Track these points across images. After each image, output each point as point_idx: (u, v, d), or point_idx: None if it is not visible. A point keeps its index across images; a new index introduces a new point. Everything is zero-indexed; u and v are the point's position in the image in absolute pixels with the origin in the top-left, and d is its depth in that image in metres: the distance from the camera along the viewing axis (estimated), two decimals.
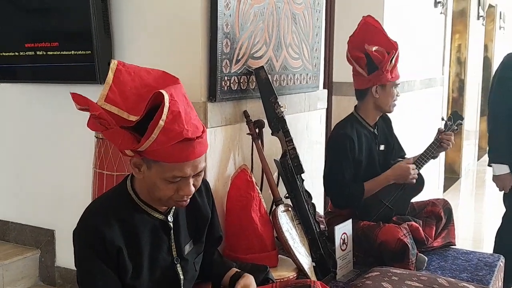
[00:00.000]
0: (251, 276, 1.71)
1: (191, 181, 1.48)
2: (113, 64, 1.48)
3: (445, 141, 2.63)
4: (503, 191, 3.26)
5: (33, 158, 2.81)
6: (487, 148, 3.28)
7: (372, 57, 2.57)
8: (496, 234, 3.39)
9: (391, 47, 2.59)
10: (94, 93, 2.49)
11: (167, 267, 1.59)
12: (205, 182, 1.76)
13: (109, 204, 1.54)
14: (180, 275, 1.62)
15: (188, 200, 1.53)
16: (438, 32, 5.52)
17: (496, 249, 3.26)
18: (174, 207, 1.62)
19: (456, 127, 2.67)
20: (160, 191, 1.47)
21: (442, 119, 2.75)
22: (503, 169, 3.15)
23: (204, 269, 1.76)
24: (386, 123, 2.81)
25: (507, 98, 3.13)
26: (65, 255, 2.74)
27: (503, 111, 3.09)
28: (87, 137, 2.26)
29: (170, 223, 1.60)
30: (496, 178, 3.22)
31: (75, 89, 2.55)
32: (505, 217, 3.34)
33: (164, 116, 1.36)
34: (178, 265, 1.62)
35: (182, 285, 1.63)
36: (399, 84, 2.64)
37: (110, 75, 1.46)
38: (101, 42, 2.37)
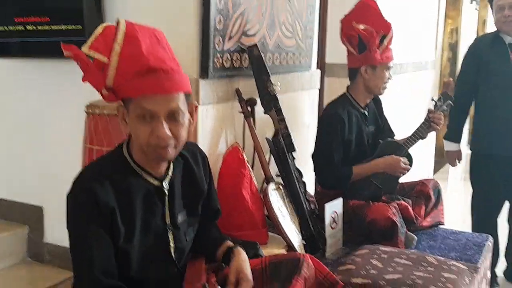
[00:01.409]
0: (242, 252, 1.69)
1: (165, 124, 1.43)
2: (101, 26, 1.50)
3: (435, 120, 2.64)
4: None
5: (22, 134, 2.79)
6: None
7: (360, 35, 2.57)
8: (471, 215, 3.47)
9: (384, 28, 2.59)
10: None
11: (159, 234, 1.58)
12: (202, 154, 1.75)
13: (104, 166, 1.53)
14: (171, 242, 1.61)
15: (171, 152, 1.48)
16: (431, 15, 5.51)
17: (473, 229, 3.33)
18: (170, 173, 1.60)
19: (446, 108, 2.68)
20: (139, 135, 1.45)
21: (432, 99, 2.76)
22: (453, 146, 3.36)
23: (200, 242, 1.75)
24: (376, 104, 2.81)
25: (463, 78, 3.32)
26: (54, 232, 2.74)
27: (461, 91, 3.24)
28: (77, 113, 2.24)
29: (165, 189, 1.58)
30: (446, 153, 3.44)
31: (66, 65, 2.54)
32: (472, 197, 3.43)
33: (118, 40, 1.39)
34: (170, 232, 1.61)
35: (173, 253, 1.62)
36: (391, 67, 2.63)
37: (99, 29, 1.49)
38: (92, 17, 2.33)
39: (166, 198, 1.59)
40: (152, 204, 1.56)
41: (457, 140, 3.35)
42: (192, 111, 1.56)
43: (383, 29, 2.59)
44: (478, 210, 3.35)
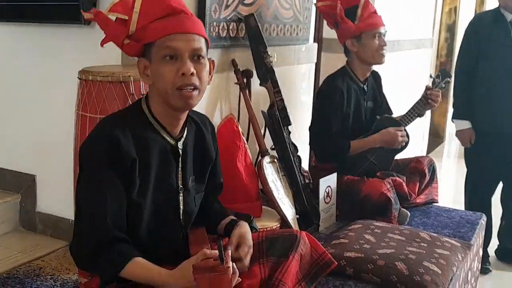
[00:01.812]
0: (246, 224, 1.70)
1: (190, 63, 1.45)
2: None
3: (433, 97, 2.61)
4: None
5: (15, 101, 2.74)
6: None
7: (321, 11, 2.61)
8: (464, 194, 3.46)
9: None
10: (78, 35, 2.45)
11: (171, 193, 1.58)
12: (212, 125, 1.76)
13: (124, 118, 1.52)
14: (181, 204, 1.62)
15: (195, 97, 1.48)
16: None
17: (467, 208, 3.31)
18: (184, 135, 1.60)
19: (444, 85, 2.65)
20: (163, 77, 1.45)
21: (430, 76, 2.73)
22: (464, 124, 3.24)
23: (202, 214, 1.75)
24: (376, 81, 2.78)
25: (464, 56, 3.26)
26: (46, 201, 2.71)
27: (462, 68, 3.20)
28: (71, 80, 2.20)
29: (179, 150, 1.58)
30: (458, 133, 3.32)
31: (59, 30, 2.50)
32: (466, 176, 3.42)
33: None
34: (181, 194, 1.61)
35: (181, 215, 1.62)
36: (381, 32, 2.57)
37: None
38: None
39: (180, 158, 1.59)
40: (167, 162, 1.56)
41: (467, 117, 3.22)
42: (210, 65, 1.56)
43: (349, 0, 2.56)
44: (472, 189, 3.35)
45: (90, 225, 1.43)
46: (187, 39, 1.46)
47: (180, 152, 1.59)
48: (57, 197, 2.62)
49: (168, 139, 1.56)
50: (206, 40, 1.52)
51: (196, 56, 1.47)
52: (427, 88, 2.65)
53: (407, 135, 2.65)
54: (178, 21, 1.47)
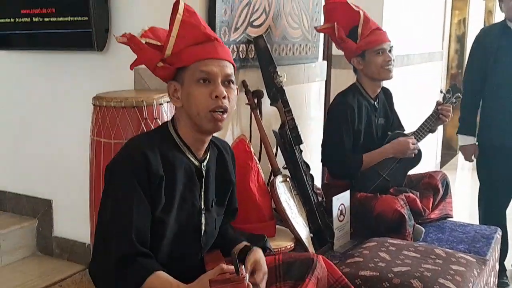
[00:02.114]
0: (260, 250, 1.71)
1: (222, 87, 1.52)
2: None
3: (444, 112, 2.61)
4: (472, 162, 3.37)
5: (30, 127, 2.79)
6: None
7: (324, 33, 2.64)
8: (478, 209, 3.44)
9: (353, 19, 2.59)
10: (91, 61, 2.49)
11: (194, 213, 1.62)
12: (232, 150, 1.81)
13: (152, 138, 1.58)
14: (203, 225, 1.64)
15: (224, 120, 1.54)
16: (438, 7, 5.47)
17: (481, 222, 3.30)
18: (208, 158, 1.64)
19: (455, 100, 2.65)
20: (196, 99, 1.52)
21: (441, 91, 2.73)
22: (468, 140, 3.25)
23: (216, 238, 1.77)
24: (387, 98, 2.79)
25: (471, 70, 3.25)
26: (63, 225, 2.74)
27: (469, 83, 3.18)
28: (85, 105, 2.24)
29: (203, 171, 1.63)
30: (461, 148, 3.32)
31: (72, 57, 2.55)
32: (479, 190, 3.40)
33: (181, 10, 1.55)
34: (203, 215, 1.64)
35: (202, 236, 1.65)
36: (382, 49, 2.56)
37: (145, 27, 1.67)
38: (98, 8, 2.33)
39: (203, 180, 1.63)
40: (192, 182, 1.60)
41: (471, 133, 3.24)
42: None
43: (354, 19, 2.59)
44: (485, 203, 3.32)
45: (116, 239, 1.45)
46: (220, 65, 1.54)
47: (204, 174, 1.63)
48: (73, 222, 2.65)
49: (193, 160, 1.60)
50: (234, 66, 1.60)
51: (227, 81, 1.55)
52: (438, 104, 2.65)
53: (420, 151, 2.65)
54: (212, 48, 1.55)
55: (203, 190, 1.64)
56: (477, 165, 3.35)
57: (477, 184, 3.42)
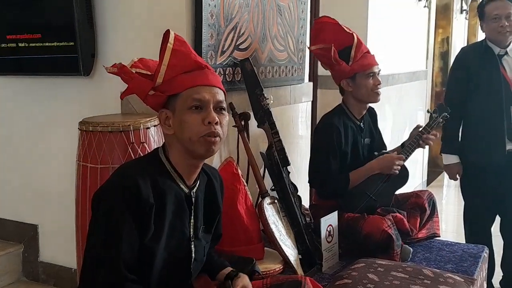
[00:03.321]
0: (246, 276, 1.73)
1: (214, 113, 1.53)
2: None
3: (425, 141, 2.65)
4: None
5: (16, 151, 2.77)
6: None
7: (316, 55, 2.65)
8: (464, 227, 3.45)
9: (346, 40, 2.61)
10: (77, 86, 2.49)
11: (183, 241, 1.61)
12: (221, 177, 1.82)
13: (142, 165, 1.58)
14: (193, 253, 1.64)
15: (217, 145, 1.55)
16: (421, 26, 5.54)
17: (467, 241, 3.31)
18: (197, 185, 1.64)
19: (441, 120, 2.68)
20: (188, 126, 1.52)
21: (428, 111, 2.76)
22: (452, 159, 3.25)
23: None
24: (372, 117, 2.81)
25: (452, 90, 3.26)
26: (49, 250, 2.72)
27: (451, 103, 3.09)
28: (71, 130, 2.23)
29: (193, 198, 1.62)
30: (445, 167, 3.32)
31: (58, 82, 2.55)
32: (464, 209, 3.42)
33: (171, 40, 1.57)
34: (193, 243, 1.64)
35: (191, 264, 1.64)
36: (373, 72, 2.59)
37: (134, 59, 1.70)
38: (84, 33, 2.34)
39: (193, 207, 1.63)
40: (181, 210, 1.60)
41: (455, 151, 3.24)
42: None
43: (345, 41, 2.61)
44: (470, 221, 3.34)
45: (104, 268, 1.44)
46: (212, 92, 1.56)
47: (193, 201, 1.63)
48: (60, 247, 2.63)
49: (183, 187, 1.60)
50: (224, 93, 1.62)
51: (219, 108, 1.56)
52: (422, 132, 2.67)
53: (406, 171, 2.67)
54: (203, 75, 1.58)
55: (192, 217, 1.63)
56: (461, 184, 3.37)
57: (463, 201, 3.44)
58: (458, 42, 7.44)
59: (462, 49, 3.46)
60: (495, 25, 3.05)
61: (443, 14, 6.90)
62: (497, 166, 3.10)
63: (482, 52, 3.13)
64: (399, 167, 2.62)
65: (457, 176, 3.28)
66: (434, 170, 6.75)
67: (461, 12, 7.47)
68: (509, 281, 3.37)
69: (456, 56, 3.37)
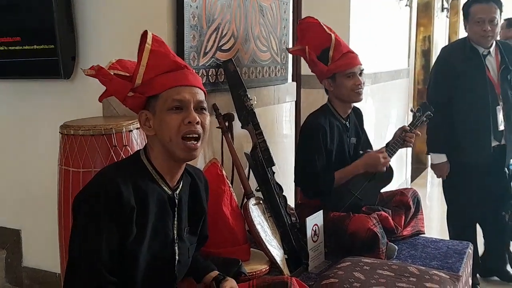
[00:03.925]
0: (234, 280, 1.74)
1: (194, 113, 1.52)
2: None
3: (408, 139, 2.65)
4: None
5: None
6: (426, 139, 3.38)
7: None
8: (448, 225, 3.50)
9: (324, 41, 2.62)
10: (58, 89, 2.46)
11: (166, 244, 1.60)
12: (205, 178, 1.81)
13: (124, 168, 1.57)
14: (176, 255, 1.63)
15: (198, 147, 1.53)
16: (403, 24, 5.58)
17: (451, 237, 3.36)
18: (181, 186, 1.63)
19: (425, 119, 2.69)
20: (169, 126, 1.51)
21: (411, 110, 2.77)
22: (440, 158, 3.27)
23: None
24: (357, 117, 2.82)
25: (437, 90, 3.27)
26: (32, 255, 2.68)
27: (436, 102, 3.11)
28: (52, 134, 2.21)
29: (176, 200, 1.61)
30: (434, 167, 3.34)
31: (39, 85, 2.51)
32: (448, 212, 3.47)
33: (149, 40, 1.56)
34: (176, 244, 1.63)
35: (176, 266, 1.63)
36: (352, 72, 2.58)
37: (112, 60, 1.67)
38: (64, 36, 2.32)
39: (176, 209, 1.62)
40: (164, 211, 1.58)
41: (443, 150, 3.26)
42: None
43: (323, 42, 2.62)
44: (455, 219, 3.37)
45: (85, 272, 1.43)
46: (192, 92, 1.54)
47: (176, 203, 1.62)
48: (43, 252, 2.60)
49: (166, 189, 1.59)
50: (205, 93, 1.60)
51: (199, 108, 1.55)
52: (404, 130, 2.67)
53: (391, 169, 2.68)
54: (183, 75, 1.56)
55: (175, 219, 1.62)
56: (444, 185, 3.39)
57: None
58: (440, 40, 7.50)
59: (445, 48, 3.48)
60: (478, 28, 3.08)
61: (424, 13, 6.95)
62: (483, 164, 3.14)
63: (467, 51, 3.16)
64: (386, 164, 2.62)
65: (445, 175, 3.29)
66: (417, 167, 6.81)
67: (442, 10, 7.54)
68: (486, 270, 3.43)
69: (440, 55, 3.39)
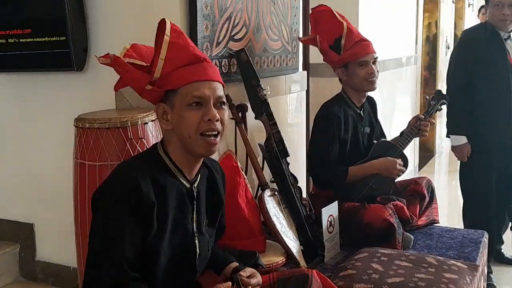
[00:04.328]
0: (253, 270, 1.72)
1: (214, 109, 1.49)
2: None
3: (423, 128, 2.64)
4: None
5: (10, 149, 2.72)
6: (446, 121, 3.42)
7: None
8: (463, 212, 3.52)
9: (336, 30, 2.60)
10: (70, 81, 2.44)
11: (187, 237, 1.58)
12: (222, 170, 1.78)
13: (142, 162, 1.54)
14: (197, 248, 1.61)
15: (218, 142, 1.51)
16: (410, 11, 5.53)
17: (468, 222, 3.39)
18: (199, 179, 1.61)
19: (440, 107, 2.67)
20: (188, 123, 1.48)
21: (426, 98, 2.75)
22: (461, 139, 3.28)
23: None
24: (371, 106, 2.80)
25: (458, 73, 3.28)
26: (46, 249, 2.68)
27: (457, 85, 3.22)
28: (65, 127, 2.19)
29: (194, 193, 1.59)
30: (454, 149, 3.35)
31: (51, 77, 2.49)
32: (463, 194, 3.48)
33: (168, 31, 1.50)
34: (197, 238, 1.61)
35: (196, 260, 1.62)
36: (365, 61, 2.56)
37: (126, 45, 1.62)
38: (75, 27, 2.29)
39: (195, 202, 1.60)
40: (183, 205, 1.57)
41: (464, 132, 3.27)
42: None
43: (335, 30, 2.59)
44: (474, 203, 3.37)
45: (108, 267, 1.42)
46: (211, 87, 1.50)
47: (195, 196, 1.60)
48: (57, 245, 2.59)
49: (184, 182, 1.57)
50: (223, 86, 1.57)
51: (219, 103, 1.52)
52: (419, 119, 2.66)
53: (406, 160, 2.66)
54: (202, 69, 1.51)
55: (195, 212, 1.61)
56: (461, 170, 3.39)
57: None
58: (446, 26, 7.44)
59: (466, 31, 3.53)
60: (497, 12, 3.12)
61: None
62: (504, 147, 3.18)
63: (489, 34, 3.19)
64: (401, 173, 2.61)
65: (466, 157, 3.30)
66: (425, 155, 6.78)
67: None
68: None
69: (461, 39, 3.43)
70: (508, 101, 3.14)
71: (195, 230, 1.61)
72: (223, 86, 1.57)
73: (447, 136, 3.41)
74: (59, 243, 2.54)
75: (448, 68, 3.43)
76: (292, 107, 3.09)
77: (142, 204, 1.43)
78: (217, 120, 1.49)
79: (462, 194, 3.46)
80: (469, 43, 3.29)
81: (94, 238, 1.47)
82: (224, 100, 1.55)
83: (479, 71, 3.17)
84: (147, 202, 1.44)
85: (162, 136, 1.63)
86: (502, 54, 3.14)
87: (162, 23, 1.55)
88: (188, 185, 1.58)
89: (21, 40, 2.38)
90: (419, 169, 6.20)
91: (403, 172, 2.63)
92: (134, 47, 1.63)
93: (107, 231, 1.44)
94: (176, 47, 1.51)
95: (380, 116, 2.94)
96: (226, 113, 1.55)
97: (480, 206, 3.31)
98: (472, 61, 3.19)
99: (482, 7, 3.61)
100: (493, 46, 3.16)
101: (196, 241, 1.61)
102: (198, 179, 1.62)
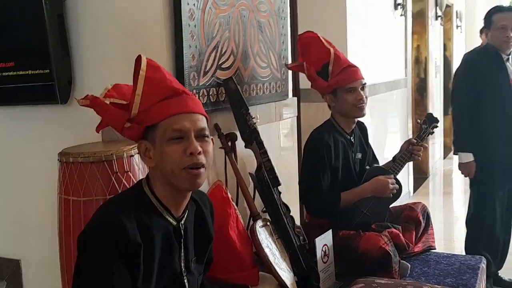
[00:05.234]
0: None
1: (196, 142, 1.45)
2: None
3: (416, 152, 2.62)
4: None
5: None
6: (453, 139, 3.59)
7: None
8: (466, 222, 3.64)
9: (324, 56, 2.58)
10: (55, 114, 2.39)
11: (175, 277, 1.53)
12: (210, 202, 1.74)
13: (126, 202, 1.48)
14: (187, 287, 1.55)
15: (202, 176, 1.46)
16: (399, 34, 5.55)
17: (469, 236, 3.55)
18: (186, 216, 1.56)
19: (432, 130, 2.65)
20: (170, 158, 1.44)
21: (418, 122, 2.72)
22: (468, 157, 3.43)
23: None
24: (362, 132, 2.77)
25: (463, 92, 3.46)
26: (32, 286, 2.59)
27: (463, 103, 3.42)
28: (50, 160, 2.13)
29: (182, 231, 1.54)
30: (462, 166, 3.49)
31: (35, 111, 2.44)
32: (470, 203, 3.63)
33: (143, 67, 1.48)
34: (185, 277, 1.56)
35: None
36: (353, 87, 2.54)
37: (108, 86, 1.61)
38: (59, 59, 2.23)
39: (182, 240, 1.55)
40: (170, 245, 1.52)
41: (471, 150, 3.42)
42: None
43: (323, 56, 2.58)
44: (482, 219, 3.48)
45: None
46: (192, 119, 1.47)
47: (182, 233, 1.54)
48: (44, 282, 2.51)
49: (171, 220, 1.52)
50: (207, 118, 1.53)
51: (201, 135, 1.48)
52: (411, 143, 2.64)
53: (400, 185, 2.62)
54: (181, 102, 1.48)
55: (182, 251, 1.55)
56: (472, 183, 3.54)
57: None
58: (434, 48, 7.48)
59: (468, 53, 3.72)
60: (501, 34, 3.32)
61: (418, 20, 6.94)
62: (508, 163, 3.34)
63: (492, 56, 3.38)
64: (394, 190, 2.57)
65: (473, 174, 3.45)
66: (419, 177, 6.75)
67: (436, 19, 7.53)
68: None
69: (464, 60, 3.60)
70: (506, 120, 3.33)
71: (183, 269, 1.56)
72: (206, 119, 1.53)
73: (454, 153, 3.55)
74: (45, 280, 2.46)
75: (453, 88, 3.64)
76: (283, 133, 3.05)
77: (128, 247, 1.38)
78: (199, 153, 1.45)
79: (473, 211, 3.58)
80: (473, 63, 3.47)
81: (81, 282, 1.40)
82: (207, 132, 1.50)
83: (482, 89, 3.34)
84: (134, 244, 1.39)
85: (148, 171, 1.58)
86: (504, 74, 3.33)
87: (138, 60, 1.52)
88: (175, 223, 1.53)
89: (3, 73, 2.32)
90: (414, 192, 6.16)
91: (398, 192, 2.59)
92: (115, 87, 1.61)
93: (95, 277, 1.38)
94: (153, 82, 1.48)
95: (371, 140, 2.91)
96: (210, 145, 1.51)
97: (487, 221, 3.45)
98: (476, 80, 3.36)
99: (482, 29, 3.96)
100: (495, 66, 3.35)
101: (185, 281, 1.56)
102: (185, 216, 1.57)
